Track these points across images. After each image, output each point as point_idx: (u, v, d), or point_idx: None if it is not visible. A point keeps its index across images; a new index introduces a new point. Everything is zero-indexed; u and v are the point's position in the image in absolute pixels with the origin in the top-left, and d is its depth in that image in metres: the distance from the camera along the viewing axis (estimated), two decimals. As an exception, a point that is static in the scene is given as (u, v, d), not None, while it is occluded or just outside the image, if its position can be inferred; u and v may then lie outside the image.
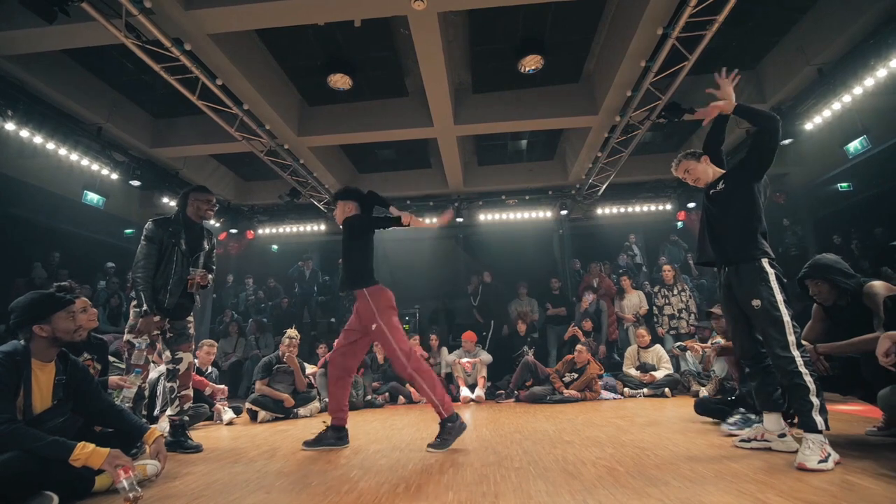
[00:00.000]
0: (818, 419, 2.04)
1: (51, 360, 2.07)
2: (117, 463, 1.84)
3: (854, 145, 5.79)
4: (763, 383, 2.36)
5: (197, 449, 2.93)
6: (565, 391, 5.05)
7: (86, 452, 1.83)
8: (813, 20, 4.68)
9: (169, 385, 3.04)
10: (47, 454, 1.79)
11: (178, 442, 2.95)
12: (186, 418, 3.09)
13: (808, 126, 5.32)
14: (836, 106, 4.91)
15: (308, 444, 2.87)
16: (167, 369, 3.05)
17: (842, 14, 4.39)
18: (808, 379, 2.08)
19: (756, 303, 2.19)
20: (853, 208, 7.52)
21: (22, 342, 1.98)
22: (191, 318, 3.12)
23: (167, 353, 3.04)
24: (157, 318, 2.87)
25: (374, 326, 2.81)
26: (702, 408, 3.27)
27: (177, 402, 3.01)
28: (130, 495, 1.76)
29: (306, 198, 7.33)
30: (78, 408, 2.17)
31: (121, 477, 1.80)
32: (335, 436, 2.88)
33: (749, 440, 2.41)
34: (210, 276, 3.12)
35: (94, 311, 2.86)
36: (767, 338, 2.19)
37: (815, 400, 2.07)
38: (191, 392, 3.13)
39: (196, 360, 4.24)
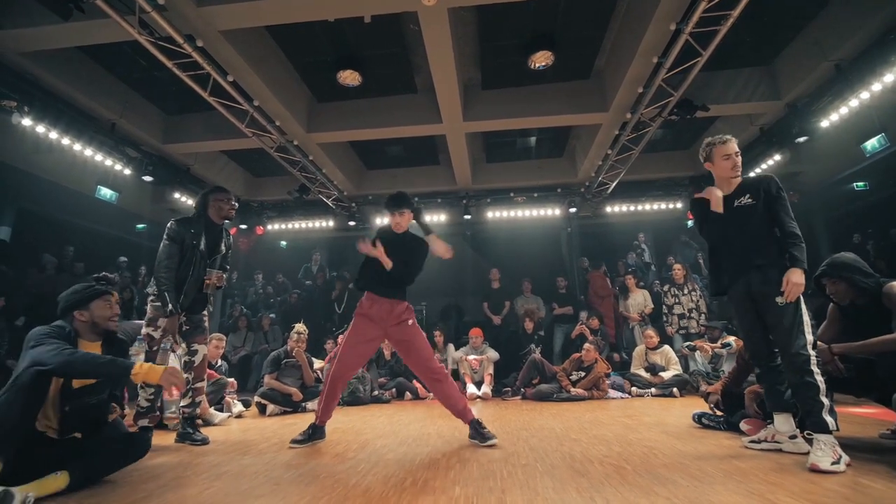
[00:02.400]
0: (829, 419, 2.03)
1: (97, 341, 2.22)
2: (172, 380, 2.05)
3: (871, 143, 5.68)
4: (775, 383, 2.35)
5: (204, 441, 2.96)
6: (572, 390, 5.03)
7: (144, 369, 2.01)
8: (831, 15, 4.59)
9: (185, 376, 3.08)
10: (110, 372, 1.97)
11: (187, 434, 2.99)
12: (197, 411, 3.12)
13: (824, 123, 5.22)
14: (854, 103, 4.81)
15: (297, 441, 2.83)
16: (183, 361, 3.09)
17: (861, 9, 4.30)
18: (819, 378, 2.08)
19: (780, 299, 2.18)
20: (869, 208, 7.38)
21: (69, 326, 2.13)
22: (205, 313, 3.16)
23: (183, 345, 3.09)
24: (181, 317, 2.92)
25: (410, 322, 2.85)
26: (700, 423, 3.21)
27: (189, 394, 3.05)
28: (170, 415, 2.05)
29: (315, 194, 7.37)
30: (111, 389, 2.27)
31: (171, 395, 2.05)
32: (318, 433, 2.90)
33: (759, 441, 2.38)
34: (224, 276, 3.16)
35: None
36: (784, 335, 2.16)
37: (825, 400, 2.06)
38: (205, 385, 3.18)
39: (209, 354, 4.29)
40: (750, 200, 2.38)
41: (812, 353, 2.12)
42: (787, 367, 2.18)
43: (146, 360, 2.88)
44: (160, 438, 2.97)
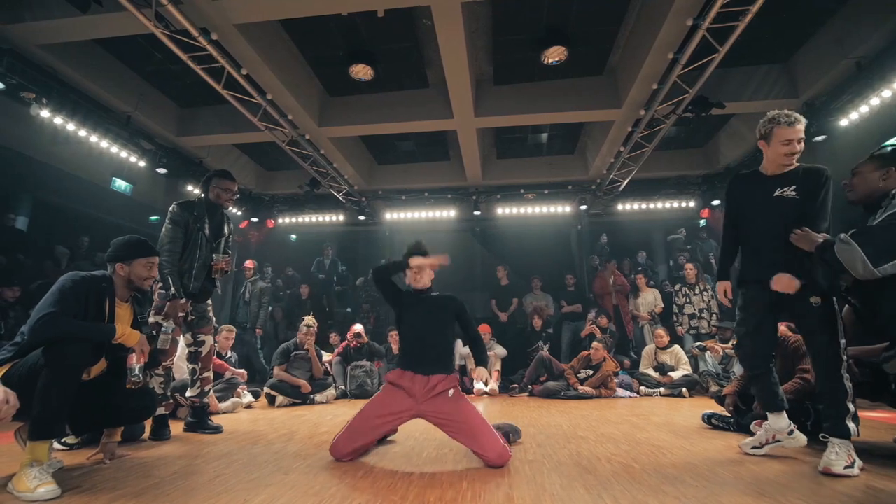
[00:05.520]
0: (851, 425, 1.99)
1: (126, 301, 2.31)
2: (142, 348, 2.21)
3: (893, 143, 5.54)
4: (770, 383, 2.24)
5: (217, 430, 3.00)
6: (580, 387, 5.02)
7: (126, 333, 2.14)
8: (852, 11, 4.47)
9: (191, 367, 3.10)
10: (96, 337, 2.05)
11: (200, 423, 3.02)
12: (206, 400, 3.15)
13: (844, 122, 5.10)
14: (875, 101, 4.69)
15: None
16: (189, 352, 3.09)
17: (883, 4, 4.18)
18: (848, 384, 2.02)
19: (815, 300, 2.07)
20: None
21: (109, 275, 2.25)
22: (209, 302, 3.16)
23: (188, 335, 3.08)
24: (183, 302, 2.88)
25: (451, 392, 2.35)
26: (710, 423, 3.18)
27: (198, 384, 3.07)
28: (133, 379, 2.17)
29: (326, 188, 7.40)
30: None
31: (136, 360, 2.16)
32: None
33: (761, 446, 2.31)
34: (231, 259, 3.16)
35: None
36: (816, 338, 2.09)
37: (850, 406, 2.01)
38: (212, 374, 3.20)
39: (216, 345, 4.33)
40: (793, 193, 2.15)
41: (844, 357, 2.04)
42: (818, 370, 2.10)
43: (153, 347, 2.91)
44: (176, 430, 3.02)
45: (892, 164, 2.11)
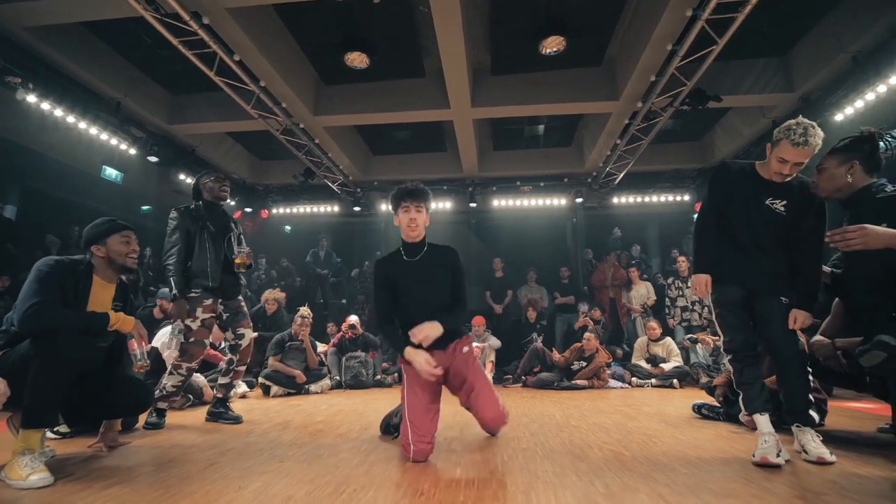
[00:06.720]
0: (815, 415, 2.11)
1: (112, 282, 2.26)
2: (140, 332, 2.20)
3: (887, 138, 5.57)
4: (760, 374, 2.16)
5: (237, 420, 3.00)
6: (577, 381, 5.07)
7: (119, 318, 2.11)
8: (849, 5, 4.47)
9: (229, 357, 3.12)
10: (89, 326, 2.01)
11: (219, 413, 3.03)
12: (233, 392, 3.19)
13: (839, 117, 5.12)
14: (870, 96, 4.71)
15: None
16: (230, 345, 3.11)
17: (881, -1, 4.19)
18: (810, 377, 2.11)
19: (785, 299, 2.12)
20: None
21: (87, 259, 2.21)
22: (241, 297, 3.17)
23: (229, 332, 3.10)
24: (210, 301, 2.90)
25: (465, 349, 2.36)
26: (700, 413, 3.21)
27: (231, 375, 3.09)
28: (140, 363, 2.21)
29: (320, 178, 7.35)
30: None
31: (137, 344, 2.18)
32: None
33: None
34: (252, 253, 3.15)
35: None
36: (783, 334, 2.11)
37: (811, 397, 2.10)
38: (244, 368, 3.20)
39: (211, 336, 4.32)
40: (782, 209, 2.10)
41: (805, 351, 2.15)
42: (789, 369, 2.11)
43: (181, 351, 2.91)
44: (170, 419, 3.01)
45: (854, 157, 2.07)
